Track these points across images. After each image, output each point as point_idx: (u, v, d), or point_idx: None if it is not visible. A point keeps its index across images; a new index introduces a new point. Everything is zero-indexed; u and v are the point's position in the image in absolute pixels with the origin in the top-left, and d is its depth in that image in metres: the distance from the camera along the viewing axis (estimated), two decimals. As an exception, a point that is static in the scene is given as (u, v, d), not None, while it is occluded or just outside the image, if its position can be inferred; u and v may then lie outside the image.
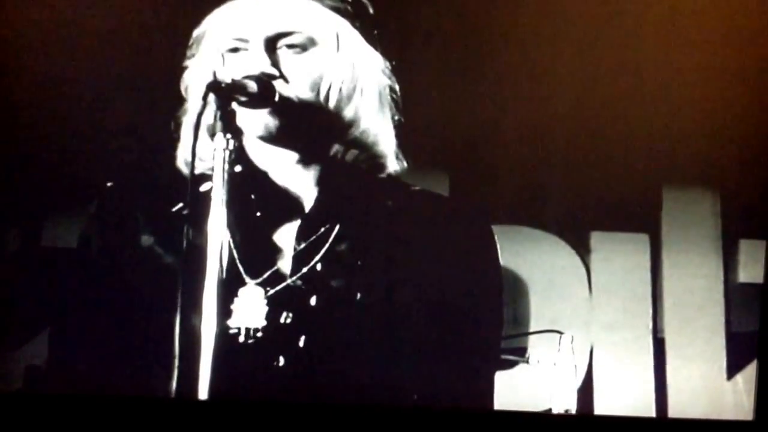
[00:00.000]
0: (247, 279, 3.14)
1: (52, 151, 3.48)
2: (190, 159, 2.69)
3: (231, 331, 3.09)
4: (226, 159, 2.68)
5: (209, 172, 2.72)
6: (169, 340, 2.59)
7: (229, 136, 2.69)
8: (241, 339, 3.09)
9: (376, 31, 3.22)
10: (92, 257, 3.27)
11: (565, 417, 3.35)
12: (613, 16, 3.52)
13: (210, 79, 2.79)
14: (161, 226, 3.19)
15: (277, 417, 3.25)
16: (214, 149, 2.68)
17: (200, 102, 2.70)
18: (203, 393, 2.60)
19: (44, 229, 3.49)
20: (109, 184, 3.31)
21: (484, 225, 3.35)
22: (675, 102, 3.52)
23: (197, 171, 2.76)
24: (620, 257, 3.54)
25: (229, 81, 2.84)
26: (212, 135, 2.70)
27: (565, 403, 3.37)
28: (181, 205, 3.00)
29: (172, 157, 3.22)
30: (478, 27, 3.53)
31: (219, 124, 2.69)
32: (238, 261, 3.14)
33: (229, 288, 3.05)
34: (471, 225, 3.35)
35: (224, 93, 2.76)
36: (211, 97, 2.72)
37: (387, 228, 3.26)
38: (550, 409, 3.39)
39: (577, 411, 3.38)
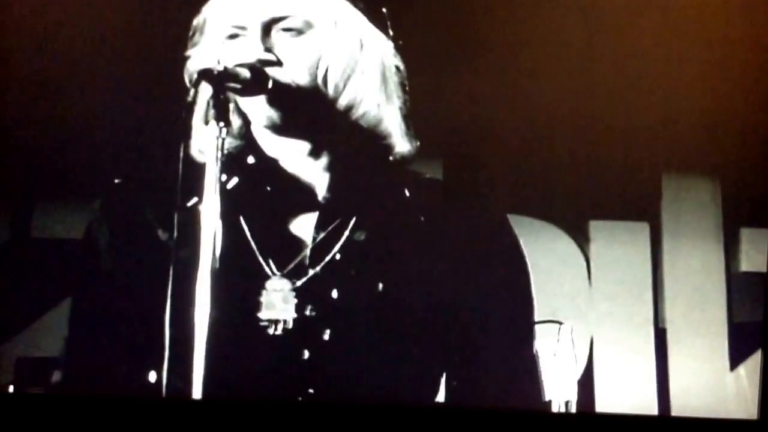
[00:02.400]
0: (271, 271, 3.13)
1: (43, 143, 3.46)
2: (181, 147, 2.68)
3: (262, 324, 3.09)
4: (220, 147, 2.66)
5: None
6: (182, 339, 2.57)
7: (222, 124, 2.67)
8: (271, 331, 3.09)
9: (384, 9, 3.21)
10: (88, 253, 3.25)
11: (567, 415, 3.32)
12: (614, 6, 3.50)
13: (204, 67, 2.76)
14: (161, 219, 3.17)
15: (298, 416, 3.22)
16: (207, 137, 2.66)
17: (192, 90, 2.68)
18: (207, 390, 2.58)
19: (34, 221, 3.47)
20: (117, 181, 3.30)
21: (500, 213, 3.32)
22: (675, 90, 3.49)
23: (202, 160, 2.74)
24: (620, 246, 3.52)
25: (221, 68, 2.82)
26: (206, 123, 2.68)
27: (566, 394, 3.34)
28: (196, 199, 2.96)
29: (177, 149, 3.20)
30: (481, 15, 3.51)
31: (212, 112, 2.68)
32: (258, 253, 3.13)
33: (253, 280, 3.10)
34: (486, 214, 3.33)
35: (216, 80, 2.74)
36: (204, 85, 2.71)
37: (402, 215, 3.24)
38: (551, 401, 3.36)
39: (577, 402, 3.35)
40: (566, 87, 3.49)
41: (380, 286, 3.16)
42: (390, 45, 3.22)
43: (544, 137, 3.49)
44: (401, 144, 3.22)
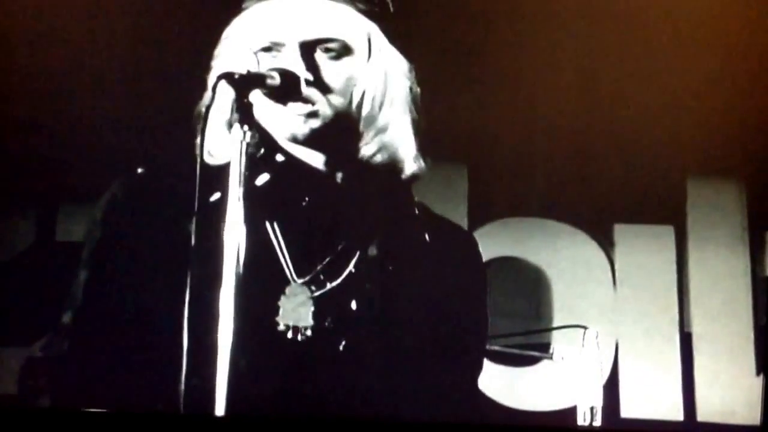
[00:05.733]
0: (292, 277, 3.12)
1: (64, 146, 3.46)
2: (198, 151, 2.65)
3: (279, 328, 3.09)
4: (243, 151, 2.63)
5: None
6: (205, 350, 2.53)
7: (246, 128, 2.63)
8: (289, 336, 3.08)
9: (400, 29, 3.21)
10: (100, 258, 3.23)
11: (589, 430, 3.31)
12: (638, 6, 3.49)
13: (227, 70, 2.74)
14: (176, 223, 3.15)
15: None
16: (231, 141, 2.63)
17: (210, 93, 2.65)
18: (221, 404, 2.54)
19: (59, 224, 3.47)
20: (139, 170, 3.29)
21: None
22: (700, 93, 3.49)
23: (215, 163, 2.72)
24: (645, 250, 3.51)
25: (244, 72, 2.79)
26: (229, 127, 2.65)
27: (591, 399, 3.32)
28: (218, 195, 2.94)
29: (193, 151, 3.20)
30: (495, 23, 3.51)
31: (235, 116, 2.64)
32: (282, 257, 3.13)
33: (274, 284, 3.09)
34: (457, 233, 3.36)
35: (239, 84, 2.70)
36: (227, 88, 2.67)
37: (411, 233, 3.23)
38: (576, 407, 3.34)
39: (602, 407, 3.33)
40: (591, 91, 3.49)
41: (392, 301, 3.17)
42: (408, 66, 3.22)
43: (567, 141, 3.49)
44: (414, 164, 3.22)
